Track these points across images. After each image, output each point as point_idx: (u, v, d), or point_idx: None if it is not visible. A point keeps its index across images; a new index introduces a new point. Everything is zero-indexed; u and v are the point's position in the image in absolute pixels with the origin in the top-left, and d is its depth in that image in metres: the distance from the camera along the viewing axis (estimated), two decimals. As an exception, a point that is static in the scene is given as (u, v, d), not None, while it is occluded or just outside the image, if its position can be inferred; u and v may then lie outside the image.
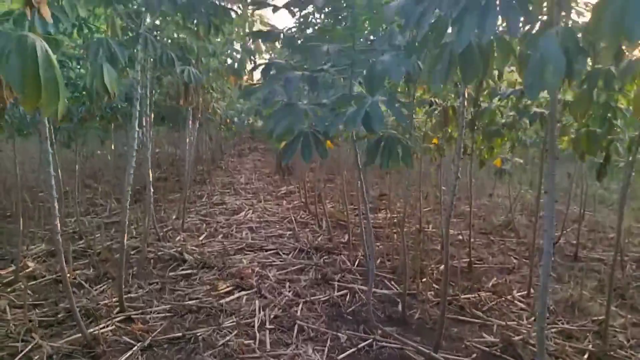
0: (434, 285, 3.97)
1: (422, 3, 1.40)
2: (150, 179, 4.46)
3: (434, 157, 4.90)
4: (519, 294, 3.87)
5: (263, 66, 1.98)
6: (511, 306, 3.66)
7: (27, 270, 4.10)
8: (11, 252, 4.46)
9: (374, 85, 1.60)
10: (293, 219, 6.27)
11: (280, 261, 4.58)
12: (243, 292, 3.74)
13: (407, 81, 2.56)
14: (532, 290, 3.83)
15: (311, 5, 3.61)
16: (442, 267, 4.45)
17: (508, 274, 4.42)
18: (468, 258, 4.51)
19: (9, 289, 3.71)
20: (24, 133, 5.28)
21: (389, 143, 1.78)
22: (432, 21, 1.53)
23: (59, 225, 2.69)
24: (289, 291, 3.80)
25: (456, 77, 1.74)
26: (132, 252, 4.78)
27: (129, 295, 3.61)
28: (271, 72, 1.84)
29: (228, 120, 7.89)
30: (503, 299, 3.74)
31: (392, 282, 4.04)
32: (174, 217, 6.23)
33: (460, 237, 5.47)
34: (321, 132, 1.68)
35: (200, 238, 5.29)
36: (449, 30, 1.61)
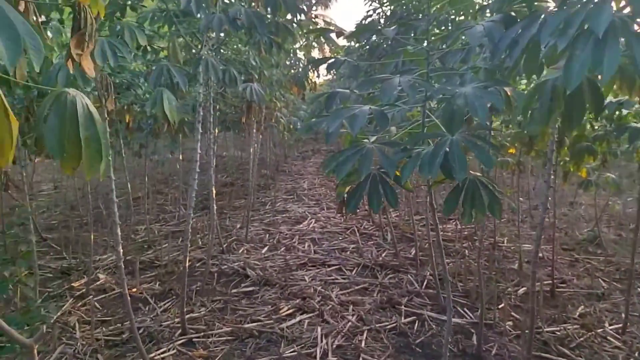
0: (513, 313, 3.62)
1: (514, 29, 1.15)
2: (214, 195, 4.44)
3: (511, 169, 4.52)
4: (612, 327, 3.44)
5: (327, 94, 1.80)
6: (604, 343, 3.24)
7: (97, 283, 4.22)
8: (84, 263, 4.61)
9: (454, 122, 1.35)
10: (356, 229, 6.08)
11: (344, 279, 4.40)
12: (305, 315, 3.60)
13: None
14: (628, 324, 3.38)
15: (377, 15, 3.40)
16: (520, 290, 4.09)
17: (597, 300, 3.96)
18: (550, 280, 4.11)
19: (79, 303, 3.81)
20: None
21: (472, 189, 1.52)
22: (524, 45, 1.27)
23: (121, 252, 2.69)
24: (353, 315, 3.61)
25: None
26: (197, 265, 4.81)
27: (191, 314, 3.58)
28: (335, 105, 1.66)
29: (291, 127, 7.84)
30: (593, 333, 3.34)
31: (465, 309, 3.72)
32: (238, 226, 6.25)
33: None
34: (390, 176, 1.47)
35: (263, 251, 5.23)
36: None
